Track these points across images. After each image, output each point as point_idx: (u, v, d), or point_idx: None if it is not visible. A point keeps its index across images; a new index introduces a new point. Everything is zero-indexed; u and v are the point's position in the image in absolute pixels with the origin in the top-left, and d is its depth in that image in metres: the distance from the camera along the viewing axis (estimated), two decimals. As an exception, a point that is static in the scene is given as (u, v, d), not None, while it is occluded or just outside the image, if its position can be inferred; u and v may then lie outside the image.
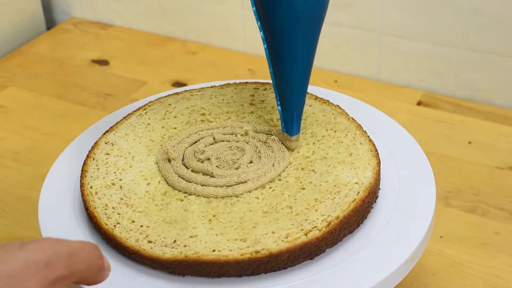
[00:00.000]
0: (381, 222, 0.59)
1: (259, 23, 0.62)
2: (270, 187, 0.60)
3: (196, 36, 1.12)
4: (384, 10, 0.96)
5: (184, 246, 0.55)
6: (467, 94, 0.95)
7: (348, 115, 0.68)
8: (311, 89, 0.73)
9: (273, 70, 0.63)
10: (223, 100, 0.71)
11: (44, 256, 0.40)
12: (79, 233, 0.59)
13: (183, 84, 1.01)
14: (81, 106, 0.97)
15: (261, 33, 0.63)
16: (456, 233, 0.73)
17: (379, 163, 0.62)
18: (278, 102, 0.64)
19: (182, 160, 0.63)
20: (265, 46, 0.63)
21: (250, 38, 1.08)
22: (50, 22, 1.23)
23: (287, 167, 0.62)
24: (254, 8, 0.62)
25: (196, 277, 0.54)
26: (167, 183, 0.61)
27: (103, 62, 1.08)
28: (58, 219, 0.61)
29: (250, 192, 0.60)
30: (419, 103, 0.95)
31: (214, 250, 0.54)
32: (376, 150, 0.63)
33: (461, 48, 0.93)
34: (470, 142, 0.86)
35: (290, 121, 0.63)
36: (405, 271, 0.56)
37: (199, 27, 1.11)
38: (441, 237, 0.72)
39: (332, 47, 1.02)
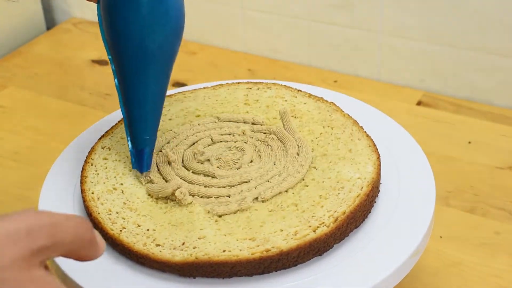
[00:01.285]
0: (381, 222, 0.59)
1: (109, 56, 0.59)
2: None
3: (196, 36, 1.12)
4: (384, 10, 0.96)
5: (194, 248, 0.54)
6: (467, 94, 0.95)
7: (343, 111, 0.68)
8: (310, 88, 0.73)
9: (123, 105, 0.61)
10: (216, 101, 0.71)
11: (25, 225, 0.39)
12: (79, 233, 0.59)
13: (183, 84, 1.01)
14: (81, 106, 0.97)
15: (112, 66, 0.60)
16: (456, 233, 0.73)
17: (379, 157, 0.62)
18: (128, 138, 0.62)
19: (182, 162, 0.63)
20: (115, 80, 0.60)
21: (250, 38, 1.08)
22: (50, 22, 1.23)
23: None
24: (104, 42, 0.59)
25: (206, 278, 0.54)
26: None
27: (103, 62, 1.08)
28: (58, 219, 0.61)
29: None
30: (419, 103, 0.95)
31: (224, 251, 0.54)
32: (375, 145, 0.64)
33: (461, 48, 0.93)
34: (470, 142, 0.86)
35: (141, 157, 0.61)
36: (404, 271, 0.56)
37: (199, 27, 1.11)
38: (441, 237, 0.72)
39: (332, 47, 1.02)
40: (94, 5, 1.19)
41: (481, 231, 0.74)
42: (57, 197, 0.63)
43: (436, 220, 0.61)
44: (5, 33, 1.13)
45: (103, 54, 1.10)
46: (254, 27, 1.06)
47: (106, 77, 1.04)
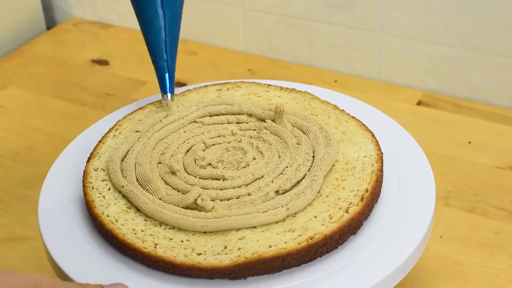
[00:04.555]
0: (381, 222, 0.59)
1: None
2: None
3: (196, 36, 1.12)
4: (384, 10, 0.96)
5: (238, 249, 0.54)
6: (467, 94, 0.95)
7: (319, 98, 0.70)
8: (310, 88, 0.73)
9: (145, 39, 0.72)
10: (190, 106, 0.70)
11: None
12: (79, 232, 0.59)
13: (183, 84, 1.01)
14: (81, 106, 0.97)
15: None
16: (456, 233, 0.73)
17: (373, 135, 0.64)
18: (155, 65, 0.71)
19: (185, 171, 0.62)
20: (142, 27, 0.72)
21: (250, 38, 1.08)
22: (50, 22, 1.23)
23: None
24: None
25: (257, 276, 0.55)
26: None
27: (103, 62, 1.08)
28: (58, 219, 0.61)
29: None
30: (419, 103, 0.95)
31: (270, 246, 0.54)
32: (364, 124, 0.66)
33: (461, 48, 0.93)
34: (470, 142, 0.86)
35: (163, 81, 0.69)
36: (404, 271, 0.56)
37: (199, 27, 1.11)
38: (441, 237, 0.72)
39: (332, 47, 1.02)
40: (94, 5, 1.19)
41: (481, 231, 0.74)
42: (57, 197, 0.63)
43: (436, 220, 0.61)
44: (5, 33, 1.13)
45: (103, 54, 1.10)
46: (254, 27, 1.06)
47: (106, 77, 1.04)
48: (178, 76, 1.03)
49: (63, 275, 0.56)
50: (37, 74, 1.06)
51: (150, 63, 1.07)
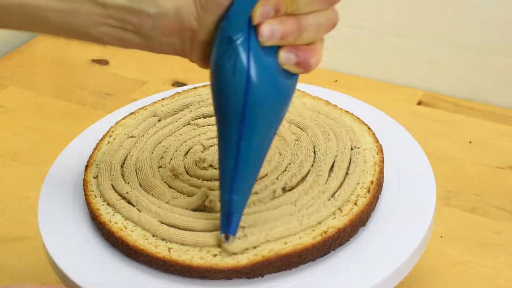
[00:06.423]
0: (381, 222, 0.59)
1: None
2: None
3: (196, 36, 1.12)
4: (384, 10, 0.96)
5: (254, 248, 0.54)
6: (467, 94, 0.95)
7: (310, 94, 0.70)
8: (309, 88, 0.73)
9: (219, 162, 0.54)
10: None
11: None
12: (78, 232, 0.59)
13: (183, 84, 1.01)
14: (81, 106, 0.97)
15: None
16: (456, 233, 0.73)
17: (369, 127, 0.65)
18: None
19: (187, 173, 0.62)
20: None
21: (250, 38, 1.08)
22: (50, 22, 1.23)
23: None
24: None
25: (275, 273, 0.54)
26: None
27: (103, 62, 1.08)
28: (57, 219, 0.61)
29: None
30: (419, 103, 0.95)
31: (286, 243, 0.54)
32: (358, 118, 0.66)
33: (461, 48, 0.93)
34: (470, 142, 0.86)
35: (229, 220, 0.53)
36: (404, 271, 0.56)
37: (199, 27, 1.11)
38: (441, 237, 0.72)
39: (332, 47, 1.02)
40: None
41: (481, 231, 0.74)
42: (57, 197, 0.63)
43: (436, 220, 0.61)
44: (5, 33, 1.13)
45: (103, 54, 1.10)
46: (254, 27, 1.06)
47: (106, 77, 1.04)
48: (178, 76, 1.03)
49: (63, 276, 0.56)
50: (37, 74, 1.06)
51: (150, 63, 1.07)
